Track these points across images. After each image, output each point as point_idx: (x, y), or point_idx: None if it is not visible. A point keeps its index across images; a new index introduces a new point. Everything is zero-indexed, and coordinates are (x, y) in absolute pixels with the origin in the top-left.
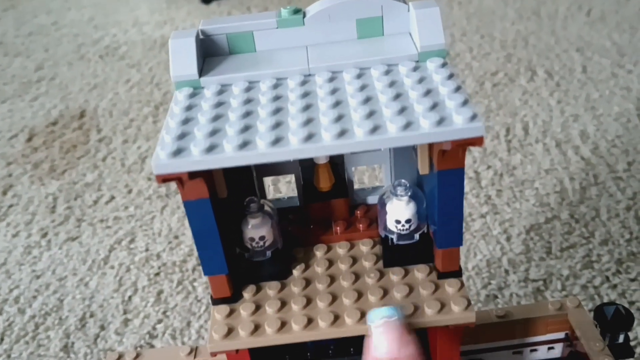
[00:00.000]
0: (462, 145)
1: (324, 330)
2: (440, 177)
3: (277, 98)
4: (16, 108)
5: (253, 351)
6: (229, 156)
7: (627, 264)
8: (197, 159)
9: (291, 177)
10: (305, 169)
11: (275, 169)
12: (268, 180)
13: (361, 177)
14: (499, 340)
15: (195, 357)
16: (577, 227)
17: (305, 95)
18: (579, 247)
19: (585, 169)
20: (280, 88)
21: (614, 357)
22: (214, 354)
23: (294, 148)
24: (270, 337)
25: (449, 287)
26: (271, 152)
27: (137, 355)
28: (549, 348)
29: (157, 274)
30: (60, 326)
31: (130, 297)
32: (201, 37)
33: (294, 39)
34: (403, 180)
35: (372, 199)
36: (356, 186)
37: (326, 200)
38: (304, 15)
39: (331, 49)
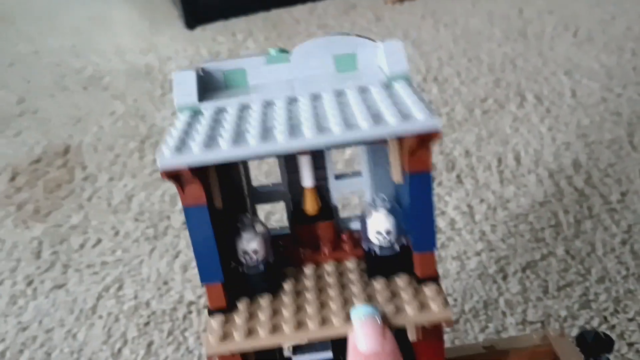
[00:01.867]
0: (424, 141)
1: (313, 331)
2: (410, 181)
3: (265, 113)
4: None
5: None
6: (225, 150)
7: (624, 303)
8: (196, 154)
9: (282, 205)
10: (294, 196)
11: (267, 196)
12: (261, 213)
13: (345, 205)
14: None
15: None
16: (573, 263)
17: (290, 110)
18: (576, 286)
19: (579, 201)
20: (268, 107)
21: None
22: (210, 358)
23: (280, 143)
24: (263, 339)
25: (428, 290)
26: (260, 147)
27: None
28: None
29: (147, 324)
30: None
31: (119, 350)
32: (201, 73)
33: (281, 73)
34: (381, 194)
35: (356, 226)
36: (341, 214)
37: (313, 222)
38: (290, 54)
39: (313, 80)
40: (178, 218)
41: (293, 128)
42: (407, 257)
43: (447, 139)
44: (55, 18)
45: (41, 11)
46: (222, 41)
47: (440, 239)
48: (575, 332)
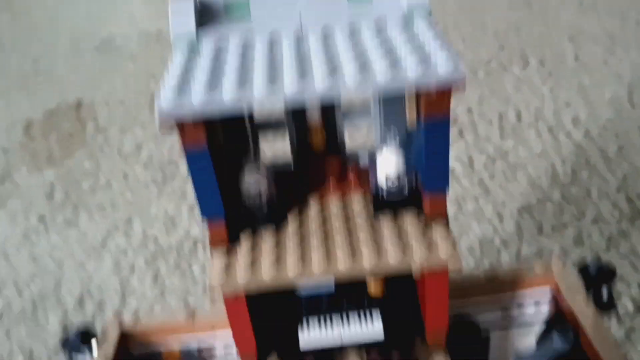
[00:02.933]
0: (446, 91)
1: (316, 272)
2: (427, 124)
3: (271, 56)
4: (14, 101)
5: (250, 306)
6: (228, 103)
7: (617, 241)
8: (198, 106)
9: (286, 140)
10: (300, 129)
11: (271, 129)
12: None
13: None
14: (487, 299)
15: (193, 320)
16: (568, 207)
17: (299, 51)
18: (570, 226)
19: (577, 152)
20: (274, 46)
21: (599, 309)
22: (214, 297)
23: (290, 94)
24: (268, 280)
25: (436, 232)
26: (267, 99)
27: (136, 316)
28: (536, 307)
29: (154, 257)
30: (58, 307)
31: (127, 279)
32: (198, 5)
33: (287, 5)
34: (393, 127)
35: (364, 160)
36: (348, 147)
37: (319, 157)
38: None
39: (323, 10)
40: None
41: (304, 75)
42: (416, 200)
43: (451, 98)
44: None
45: None
46: None
47: None
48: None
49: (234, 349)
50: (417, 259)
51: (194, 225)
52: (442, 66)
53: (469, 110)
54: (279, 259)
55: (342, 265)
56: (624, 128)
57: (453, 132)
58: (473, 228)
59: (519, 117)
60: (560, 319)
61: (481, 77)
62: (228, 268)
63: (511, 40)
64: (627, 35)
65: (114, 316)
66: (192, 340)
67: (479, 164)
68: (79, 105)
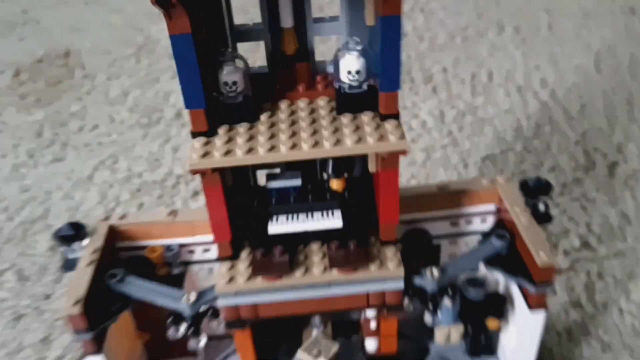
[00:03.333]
0: None
1: (283, 154)
2: (382, 23)
3: None
4: (3, 48)
5: (226, 182)
6: None
7: (570, 187)
8: None
9: (261, 44)
10: (274, 37)
11: (248, 34)
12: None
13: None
14: (439, 213)
15: (175, 217)
16: (529, 157)
17: None
18: (529, 173)
19: (542, 111)
20: None
21: (536, 221)
22: (193, 172)
23: None
24: (240, 157)
25: (388, 125)
26: None
27: (123, 216)
28: (482, 220)
29: (139, 190)
30: (47, 231)
31: (113, 208)
32: None
33: None
34: (355, 37)
35: (331, 69)
36: (317, 58)
37: (291, 63)
38: None
39: None
40: (170, 111)
41: None
42: (373, 95)
43: (428, 59)
44: None
45: None
46: None
47: (411, 135)
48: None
49: (212, 247)
50: (371, 141)
51: (177, 165)
52: None
53: (444, 70)
54: (252, 141)
55: (306, 146)
56: (588, 91)
57: (427, 89)
58: (439, 173)
59: (490, 77)
60: (499, 226)
61: (458, 42)
62: (205, 147)
63: (490, 10)
64: (601, 12)
65: (103, 215)
66: (175, 238)
67: (449, 118)
68: (66, 54)
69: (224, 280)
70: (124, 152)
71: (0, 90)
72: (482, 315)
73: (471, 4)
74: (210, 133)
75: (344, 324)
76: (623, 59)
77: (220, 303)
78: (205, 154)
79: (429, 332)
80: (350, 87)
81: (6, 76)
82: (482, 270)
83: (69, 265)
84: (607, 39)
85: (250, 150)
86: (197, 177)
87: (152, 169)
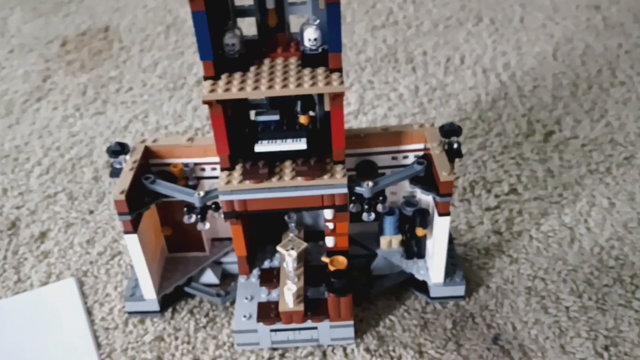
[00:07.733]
0: None
1: (263, 90)
2: (328, 7)
3: None
4: (51, 22)
5: (229, 126)
6: None
7: (510, 149)
8: None
9: (253, 19)
10: (262, 14)
11: (244, 12)
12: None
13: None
14: (382, 147)
15: (192, 142)
16: (482, 124)
17: None
18: (479, 137)
19: (500, 88)
20: None
21: (448, 157)
22: (204, 102)
23: None
24: (234, 92)
25: (334, 75)
26: None
27: (155, 140)
28: (415, 155)
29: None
30: (91, 165)
31: None
32: None
33: None
34: (314, 16)
35: (300, 38)
36: (292, 30)
37: (273, 33)
38: None
39: None
40: (192, 79)
41: None
42: (326, 56)
43: (412, 43)
44: None
45: None
46: None
47: (388, 104)
48: (470, 162)
49: (218, 166)
50: (321, 85)
51: (196, 120)
52: None
53: (424, 53)
54: (243, 83)
55: (278, 87)
56: (543, 74)
57: (408, 68)
58: None
59: (462, 60)
60: (423, 157)
61: (440, 29)
62: (212, 87)
63: (472, 2)
64: (568, 6)
65: (140, 138)
66: (191, 158)
67: (422, 92)
68: (106, 29)
69: (223, 182)
70: (153, 109)
71: (51, 57)
72: (413, 226)
73: None
74: (216, 78)
75: (313, 232)
76: (578, 48)
77: (221, 198)
78: (212, 91)
79: (377, 241)
80: (311, 49)
81: (55, 45)
82: (419, 194)
83: (116, 172)
84: (569, 29)
85: (241, 89)
86: (211, 131)
87: (175, 123)
